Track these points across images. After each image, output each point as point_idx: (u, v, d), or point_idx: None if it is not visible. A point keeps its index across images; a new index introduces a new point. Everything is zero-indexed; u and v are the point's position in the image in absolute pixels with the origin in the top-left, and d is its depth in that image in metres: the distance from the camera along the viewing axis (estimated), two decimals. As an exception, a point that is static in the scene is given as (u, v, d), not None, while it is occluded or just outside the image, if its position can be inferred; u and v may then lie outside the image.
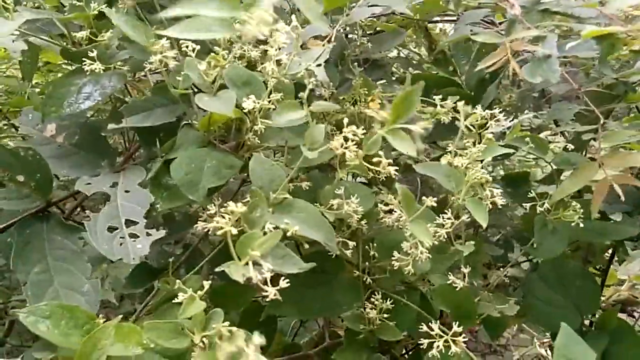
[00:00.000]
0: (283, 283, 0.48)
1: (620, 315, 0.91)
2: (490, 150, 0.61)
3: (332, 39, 0.64)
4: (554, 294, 0.78)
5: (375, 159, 0.53)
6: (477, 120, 0.63)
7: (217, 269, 0.46)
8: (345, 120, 0.54)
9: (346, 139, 0.54)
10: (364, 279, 0.68)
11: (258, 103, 0.58)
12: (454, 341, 0.54)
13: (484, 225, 0.55)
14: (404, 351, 0.76)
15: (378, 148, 0.54)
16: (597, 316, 0.80)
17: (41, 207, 0.63)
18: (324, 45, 0.64)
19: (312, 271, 0.69)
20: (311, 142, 0.53)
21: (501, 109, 0.65)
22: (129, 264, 0.56)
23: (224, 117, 0.63)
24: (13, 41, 0.72)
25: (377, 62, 0.88)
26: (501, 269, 0.80)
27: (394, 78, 0.99)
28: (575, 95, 0.82)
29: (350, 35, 0.84)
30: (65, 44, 0.71)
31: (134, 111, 0.63)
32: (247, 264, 0.45)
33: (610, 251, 0.99)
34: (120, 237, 0.54)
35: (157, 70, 0.61)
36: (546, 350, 0.53)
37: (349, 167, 0.58)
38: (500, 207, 0.98)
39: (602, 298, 0.97)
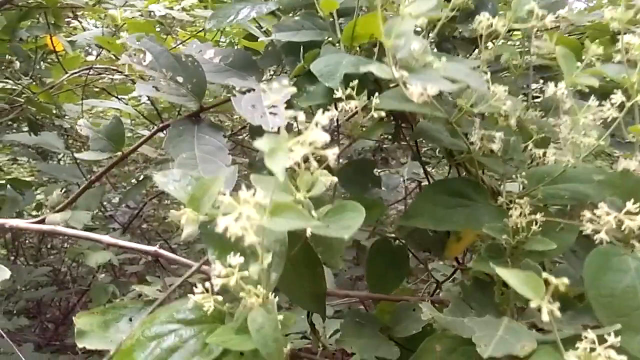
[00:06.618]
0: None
1: None
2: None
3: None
4: None
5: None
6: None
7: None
8: None
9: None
10: (509, 206, 0.62)
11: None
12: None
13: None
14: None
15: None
16: None
17: (194, 112, 0.68)
18: None
19: (453, 194, 0.65)
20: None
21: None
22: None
23: (367, 32, 0.65)
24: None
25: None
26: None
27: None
28: None
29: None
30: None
31: (284, 28, 0.67)
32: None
33: None
34: (262, 112, 0.57)
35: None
36: None
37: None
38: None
39: None
